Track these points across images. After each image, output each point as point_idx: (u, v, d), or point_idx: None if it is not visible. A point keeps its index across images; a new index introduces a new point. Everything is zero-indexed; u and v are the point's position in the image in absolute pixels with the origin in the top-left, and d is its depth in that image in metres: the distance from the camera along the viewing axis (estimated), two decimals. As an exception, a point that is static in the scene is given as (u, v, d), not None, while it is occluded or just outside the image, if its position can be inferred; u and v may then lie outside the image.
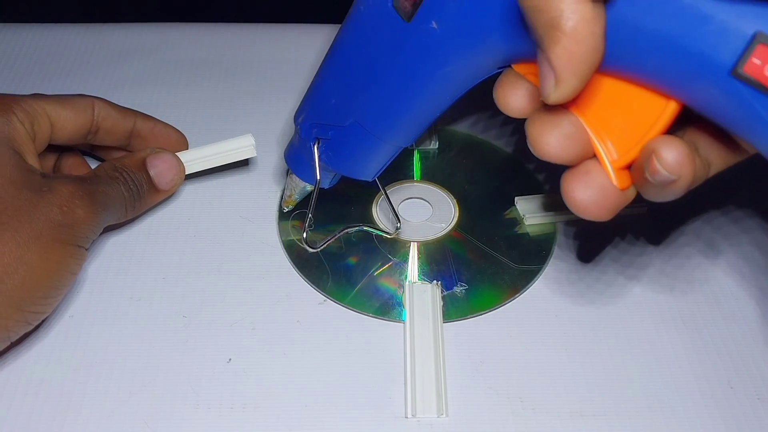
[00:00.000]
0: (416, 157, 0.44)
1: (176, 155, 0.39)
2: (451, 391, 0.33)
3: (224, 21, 0.54)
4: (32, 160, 0.33)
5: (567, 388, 0.34)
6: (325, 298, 0.37)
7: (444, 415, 0.32)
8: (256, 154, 0.41)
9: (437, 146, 0.45)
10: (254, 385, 0.33)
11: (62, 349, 0.34)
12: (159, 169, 0.38)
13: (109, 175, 0.36)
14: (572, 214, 0.39)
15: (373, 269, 0.38)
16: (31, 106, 0.34)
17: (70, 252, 0.32)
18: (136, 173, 0.37)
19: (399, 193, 0.42)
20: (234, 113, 0.47)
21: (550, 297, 0.37)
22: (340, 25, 0.32)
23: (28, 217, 0.31)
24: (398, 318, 0.36)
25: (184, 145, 0.41)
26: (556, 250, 0.39)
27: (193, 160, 0.40)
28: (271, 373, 0.34)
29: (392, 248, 0.39)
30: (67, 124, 0.36)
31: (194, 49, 0.52)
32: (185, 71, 0.50)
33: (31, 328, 0.32)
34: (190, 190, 0.42)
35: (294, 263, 0.38)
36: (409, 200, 0.42)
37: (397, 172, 0.43)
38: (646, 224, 0.41)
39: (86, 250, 0.33)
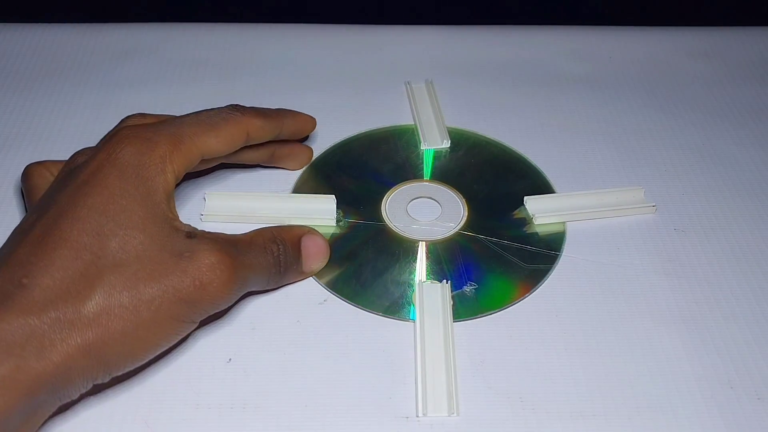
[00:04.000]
0: (426, 156, 0.44)
1: (326, 241, 0.37)
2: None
3: (224, 21, 0.54)
4: (175, 209, 0.32)
5: (567, 388, 0.34)
6: (326, 297, 0.37)
7: (455, 414, 0.32)
8: (334, 225, 0.40)
9: (449, 145, 0.45)
10: (254, 385, 0.33)
11: (62, 349, 0.34)
12: (310, 251, 0.36)
13: (267, 246, 0.34)
14: (582, 214, 0.40)
15: (383, 268, 0.38)
16: (189, 150, 0.33)
17: (180, 329, 0.31)
18: (291, 251, 0.35)
19: (408, 192, 0.42)
20: (234, 113, 0.47)
21: (550, 297, 0.37)
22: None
23: (155, 284, 0.29)
24: (406, 317, 0.36)
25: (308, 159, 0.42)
26: (565, 250, 0.39)
27: (276, 211, 0.40)
28: (271, 373, 0.34)
29: (402, 247, 0.39)
30: (215, 154, 0.35)
31: (194, 49, 0.52)
32: (185, 71, 0.50)
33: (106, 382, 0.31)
34: (191, 189, 0.42)
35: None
36: (418, 199, 0.42)
37: (407, 171, 0.43)
38: (651, 224, 0.41)
39: (198, 323, 0.32)
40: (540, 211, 0.40)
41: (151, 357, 0.31)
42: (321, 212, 0.40)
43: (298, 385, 0.33)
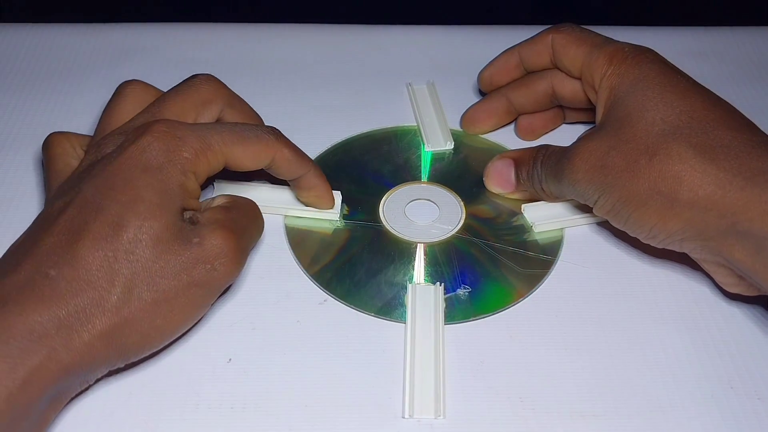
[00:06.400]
0: (425, 158, 0.44)
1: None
2: (452, 391, 0.33)
3: (224, 21, 0.54)
4: (193, 203, 0.33)
5: (567, 388, 0.34)
6: (327, 297, 0.37)
7: (441, 417, 0.32)
8: (337, 219, 0.40)
9: (452, 147, 0.45)
10: (254, 385, 0.33)
11: (62, 349, 0.34)
12: None
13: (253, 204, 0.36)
14: (579, 219, 0.40)
15: (378, 269, 0.38)
16: (215, 156, 0.33)
17: (198, 314, 0.33)
18: None
19: (406, 193, 0.42)
20: (234, 113, 0.47)
21: (551, 298, 0.37)
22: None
23: (172, 276, 0.31)
24: (401, 318, 0.36)
25: (330, 207, 0.40)
26: (562, 254, 0.39)
27: (279, 202, 0.40)
28: (271, 373, 0.34)
29: (398, 248, 0.39)
30: (240, 166, 0.35)
31: (194, 49, 0.52)
32: (185, 71, 0.50)
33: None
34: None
35: (299, 261, 0.38)
36: (416, 201, 0.42)
37: (405, 172, 0.43)
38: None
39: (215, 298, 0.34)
40: (539, 219, 0.40)
41: (168, 342, 0.33)
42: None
43: (298, 385, 0.33)
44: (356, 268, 0.38)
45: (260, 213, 0.36)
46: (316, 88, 0.49)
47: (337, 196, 0.40)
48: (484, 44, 0.52)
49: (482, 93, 0.47)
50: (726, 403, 0.33)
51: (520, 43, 0.43)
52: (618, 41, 0.39)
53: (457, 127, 0.46)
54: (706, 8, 0.58)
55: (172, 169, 0.32)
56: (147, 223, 0.31)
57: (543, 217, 0.40)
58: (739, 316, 0.37)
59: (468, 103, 0.46)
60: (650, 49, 0.38)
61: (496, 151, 0.44)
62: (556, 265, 0.39)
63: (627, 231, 0.36)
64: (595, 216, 0.39)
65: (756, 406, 0.33)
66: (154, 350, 0.33)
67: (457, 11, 0.59)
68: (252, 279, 0.38)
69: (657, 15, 0.59)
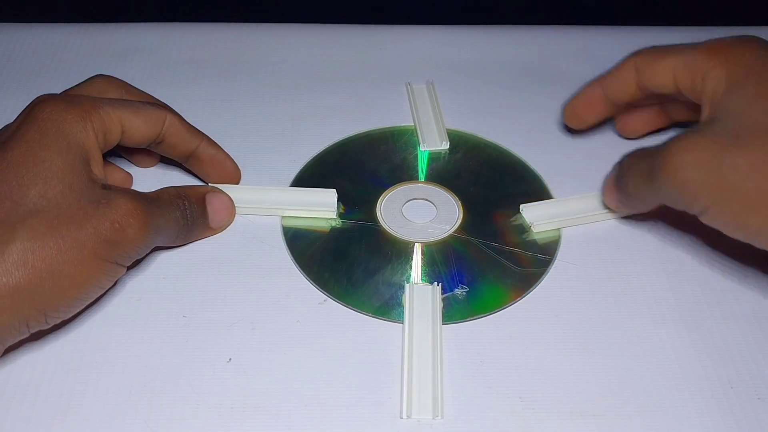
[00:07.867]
0: (422, 158, 0.44)
1: (231, 199, 0.40)
2: (451, 391, 0.33)
3: (224, 21, 0.54)
4: (97, 169, 0.34)
5: (567, 388, 0.34)
6: (326, 297, 0.37)
7: (439, 417, 0.32)
8: (336, 217, 0.40)
9: (448, 147, 0.45)
10: (254, 385, 0.33)
11: (62, 348, 0.34)
12: (215, 207, 0.39)
13: (172, 200, 0.36)
14: (577, 219, 0.40)
15: (375, 269, 0.38)
16: (108, 115, 0.34)
17: (106, 269, 0.33)
18: (195, 205, 0.38)
19: (403, 193, 0.42)
20: (234, 113, 0.47)
21: (551, 298, 0.37)
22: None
23: (77, 227, 0.31)
24: (399, 318, 0.36)
25: (237, 178, 0.42)
26: (559, 253, 0.39)
27: (276, 203, 0.40)
28: (271, 373, 0.34)
29: (395, 248, 0.39)
30: (137, 133, 0.36)
31: (194, 49, 0.52)
32: (185, 71, 0.50)
33: (48, 327, 0.32)
34: (195, 182, 0.42)
35: (296, 261, 0.38)
36: (413, 201, 0.42)
37: (402, 172, 0.43)
38: (647, 226, 0.41)
39: (125, 267, 0.34)
40: (537, 219, 0.40)
41: (85, 299, 0.33)
42: (322, 205, 0.40)
43: (298, 385, 0.33)
44: (353, 268, 0.38)
45: (185, 213, 0.37)
46: (316, 88, 0.49)
47: (332, 193, 0.40)
48: (484, 44, 0.52)
49: (567, 128, 0.46)
50: (726, 403, 0.33)
51: (601, 75, 0.41)
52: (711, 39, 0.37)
53: (455, 126, 0.46)
54: (706, 8, 0.58)
55: (68, 125, 0.33)
56: (50, 181, 0.31)
57: (542, 217, 0.40)
58: (739, 316, 0.37)
59: (467, 103, 0.46)
60: (754, 37, 0.35)
61: (493, 151, 0.44)
62: (554, 265, 0.39)
63: (743, 239, 0.33)
64: (592, 216, 0.39)
65: (756, 406, 0.33)
66: (72, 305, 0.32)
67: (457, 11, 0.59)
68: (252, 279, 0.38)
69: (657, 15, 0.59)
